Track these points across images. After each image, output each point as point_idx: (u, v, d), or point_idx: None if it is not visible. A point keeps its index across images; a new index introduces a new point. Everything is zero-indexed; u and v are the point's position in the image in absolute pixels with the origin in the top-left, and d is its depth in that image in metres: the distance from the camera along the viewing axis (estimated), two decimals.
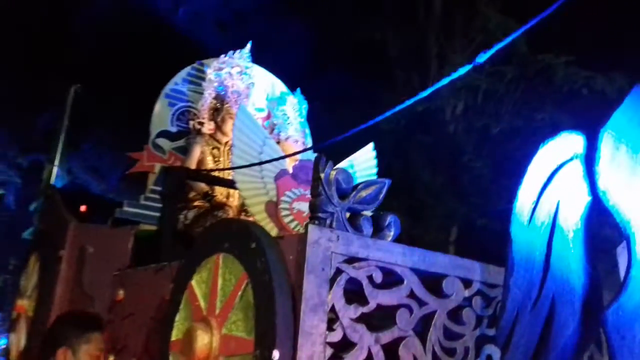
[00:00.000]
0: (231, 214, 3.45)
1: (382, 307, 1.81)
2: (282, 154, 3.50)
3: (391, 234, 1.91)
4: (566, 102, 10.03)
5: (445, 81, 2.28)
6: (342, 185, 1.85)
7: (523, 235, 1.88)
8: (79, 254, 3.49)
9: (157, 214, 3.72)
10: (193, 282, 2.09)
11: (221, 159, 3.77)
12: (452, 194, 9.92)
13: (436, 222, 9.84)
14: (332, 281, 1.74)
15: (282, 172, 3.38)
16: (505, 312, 1.86)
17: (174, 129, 4.01)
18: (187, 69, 4.16)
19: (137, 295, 2.61)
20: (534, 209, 1.89)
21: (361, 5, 11.76)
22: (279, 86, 4.41)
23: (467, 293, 1.98)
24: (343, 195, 1.86)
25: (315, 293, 1.70)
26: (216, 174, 3.58)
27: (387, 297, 1.82)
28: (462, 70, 2.16)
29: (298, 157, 3.58)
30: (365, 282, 1.79)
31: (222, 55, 4.05)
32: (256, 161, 3.29)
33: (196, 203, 3.60)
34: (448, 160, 10.39)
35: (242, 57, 4.07)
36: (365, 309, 1.77)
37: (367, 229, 1.88)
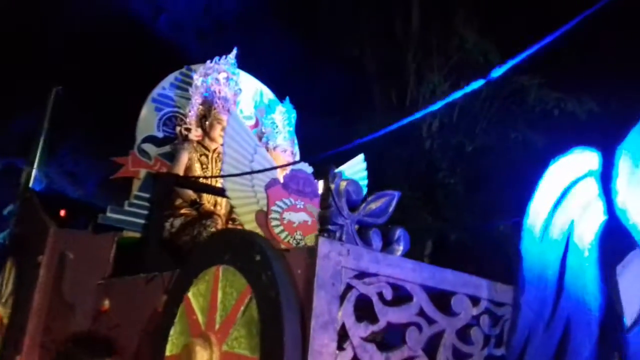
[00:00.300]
0: (220, 223, 3.32)
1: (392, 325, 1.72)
2: (274, 163, 3.40)
3: (400, 248, 1.83)
4: (538, 122, 10.16)
5: (458, 94, 2.21)
6: (352, 196, 1.76)
7: (535, 252, 1.81)
8: (58, 260, 3.32)
9: (142, 221, 3.58)
10: (190, 295, 1.96)
11: (209, 166, 3.64)
12: (427, 208, 9.90)
13: (411, 236, 9.79)
14: (342, 297, 1.64)
15: (273, 182, 3.27)
16: (516, 332, 1.78)
17: (160, 135, 3.86)
18: (175, 74, 4.02)
19: (125, 305, 2.46)
20: (546, 226, 1.83)
21: (341, 19, 11.76)
22: (267, 94, 4.31)
23: (475, 311, 1.90)
24: (352, 207, 1.76)
25: (325, 310, 1.60)
26: (205, 181, 3.45)
27: (397, 315, 1.73)
28: (476, 84, 2.10)
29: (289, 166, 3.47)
30: (375, 299, 1.69)
31: (208, 61, 3.93)
32: (247, 169, 3.18)
33: (183, 211, 3.45)
34: (423, 176, 10.39)
35: (228, 63, 3.96)
36: (375, 328, 1.68)
37: (377, 242, 1.78)
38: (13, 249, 3.64)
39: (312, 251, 1.63)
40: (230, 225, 3.54)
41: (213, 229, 3.25)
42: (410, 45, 11.38)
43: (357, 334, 1.64)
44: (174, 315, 2.00)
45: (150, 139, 3.82)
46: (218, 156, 3.72)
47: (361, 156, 3.68)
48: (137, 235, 3.56)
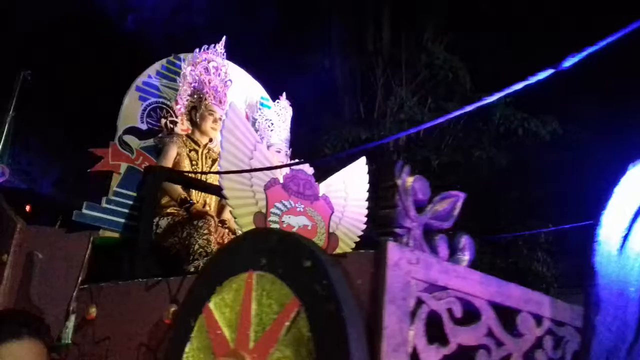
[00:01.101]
0: (213, 224, 2.97)
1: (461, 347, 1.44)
2: (274, 162, 3.09)
3: (466, 258, 1.55)
4: (502, 140, 10.20)
5: (519, 86, 1.96)
6: (418, 195, 1.47)
7: (612, 267, 1.57)
8: (26, 260, 2.90)
9: (121, 220, 3.19)
10: (211, 305, 1.62)
11: (199, 162, 3.28)
12: None
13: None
14: (412, 314, 1.35)
15: (273, 182, 2.96)
16: (590, 356, 1.53)
17: (144, 127, 3.48)
18: (161, 62, 3.66)
19: (117, 314, 2.08)
20: (625, 237, 1.59)
21: (310, 32, 11.54)
22: (258, 89, 3.99)
23: (538, 332, 1.64)
24: (418, 208, 1.48)
25: (397, 329, 1.30)
26: (197, 179, 3.10)
27: (467, 336, 1.44)
28: (544, 74, 1.85)
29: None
30: (445, 317, 1.41)
31: (197, 50, 3.59)
32: (246, 167, 2.86)
33: (170, 210, 3.09)
34: None
35: (217, 52, 3.63)
36: (446, 351, 1.39)
37: (444, 251, 1.51)
38: None
39: (378, 258, 1.34)
40: (219, 228, 3.19)
41: (205, 231, 2.91)
42: (380, 59, 11.29)
43: (429, 359, 1.35)
44: (189, 329, 1.65)
45: (132, 131, 3.44)
46: (208, 152, 3.38)
47: (363, 159, 3.41)
48: (116, 235, 3.17)
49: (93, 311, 2.15)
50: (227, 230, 3.25)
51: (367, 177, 3.37)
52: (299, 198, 3.06)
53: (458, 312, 1.44)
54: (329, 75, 11.47)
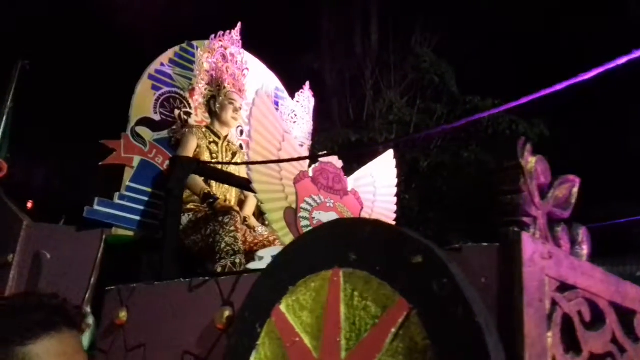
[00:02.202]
0: (239, 220, 2.68)
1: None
2: (302, 154, 2.83)
3: (585, 252, 1.31)
4: (490, 142, 10.09)
5: (602, 69, 1.72)
6: (541, 179, 1.23)
7: None
8: (33, 261, 2.59)
9: (135, 217, 2.89)
10: (283, 308, 1.36)
11: (219, 155, 2.99)
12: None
13: None
14: (548, 319, 1.11)
15: (302, 175, 2.69)
16: None
17: (157, 117, 3.18)
18: (175, 49, 3.36)
19: (154, 319, 1.79)
20: None
21: (300, 35, 11.29)
22: (273, 79, 3.71)
23: None
24: (541, 193, 1.24)
25: (536, 336, 1.06)
26: (225, 172, 2.82)
27: (595, 343, 1.21)
28: (620, 60, 1.63)
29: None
30: (576, 320, 1.17)
31: (212, 36, 3.30)
32: (275, 159, 2.59)
33: (190, 206, 2.79)
34: None
35: (232, 39, 3.34)
36: None
37: (566, 244, 1.26)
38: None
39: (509, 252, 1.10)
40: (239, 226, 2.91)
41: (232, 228, 2.63)
42: (368, 61, 11.11)
43: None
44: (255, 336, 1.38)
45: (145, 122, 3.13)
46: (228, 145, 3.10)
47: (391, 153, 3.17)
48: (130, 233, 2.87)
49: (123, 315, 1.86)
50: (247, 228, 2.97)
51: (395, 171, 3.13)
52: (328, 193, 2.80)
53: (587, 315, 1.20)
54: (317, 78, 11.22)
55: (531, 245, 1.10)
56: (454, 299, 1.07)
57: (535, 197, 1.19)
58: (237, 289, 1.59)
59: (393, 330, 1.15)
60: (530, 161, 1.20)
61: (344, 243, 1.30)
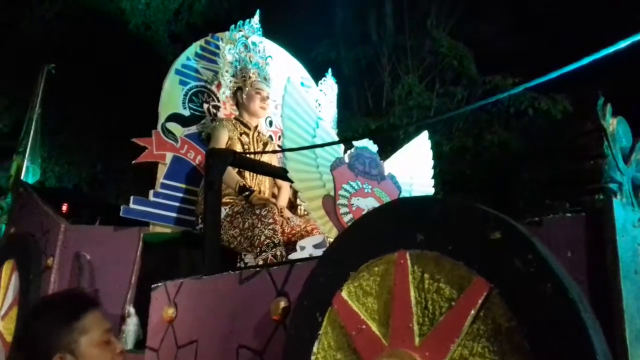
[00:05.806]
0: (277, 212, 2.60)
1: None
2: (336, 139, 2.74)
3: None
4: (513, 121, 9.89)
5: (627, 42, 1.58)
6: (622, 141, 1.12)
7: None
8: (73, 262, 2.55)
9: (171, 213, 2.84)
10: (344, 295, 1.27)
11: (251, 147, 2.91)
12: None
13: None
14: None
15: (339, 161, 2.61)
16: None
17: (186, 112, 3.11)
18: (200, 43, 3.29)
19: (204, 314, 1.72)
20: None
21: (317, 24, 11.15)
22: (297, 67, 3.62)
23: None
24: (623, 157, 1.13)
25: (635, 311, 0.96)
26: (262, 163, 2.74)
27: None
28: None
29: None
30: None
31: (232, 26, 3.21)
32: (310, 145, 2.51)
33: (226, 200, 2.72)
34: None
35: (252, 28, 3.25)
36: None
37: None
38: (11, 251, 2.79)
39: (598, 221, 1.00)
40: (277, 218, 2.82)
41: (270, 220, 2.55)
42: (385, 48, 10.94)
43: None
44: (316, 326, 1.30)
45: (175, 117, 3.07)
46: (259, 135, 3.03)
47: (426, 134, 3.07)
48: (167, 230, 2.82)
49: (172, 312, 1.80)
50: (283, 219, 2.90)
51: (430, 153, 3.03)
52: (365, 178, 2.71)
53: None
54: (334, 67, 11.10)
55: (622, 213, 1.00)
56: (541, 276, 0.98)
57: (619, 162, 1.08)
58: (290, 279, 1.51)
59: (472, 312, 1.06)
60: (612, 123, 1.10)
61: (409, 223, 1.21)
